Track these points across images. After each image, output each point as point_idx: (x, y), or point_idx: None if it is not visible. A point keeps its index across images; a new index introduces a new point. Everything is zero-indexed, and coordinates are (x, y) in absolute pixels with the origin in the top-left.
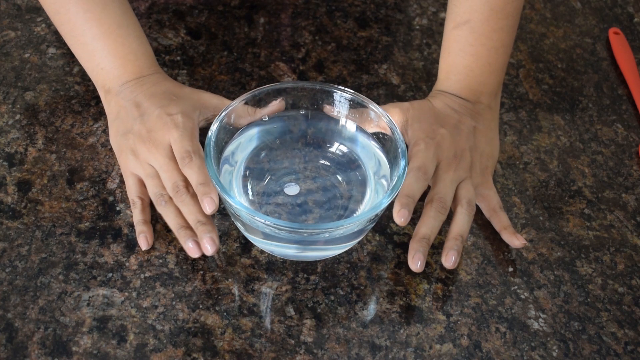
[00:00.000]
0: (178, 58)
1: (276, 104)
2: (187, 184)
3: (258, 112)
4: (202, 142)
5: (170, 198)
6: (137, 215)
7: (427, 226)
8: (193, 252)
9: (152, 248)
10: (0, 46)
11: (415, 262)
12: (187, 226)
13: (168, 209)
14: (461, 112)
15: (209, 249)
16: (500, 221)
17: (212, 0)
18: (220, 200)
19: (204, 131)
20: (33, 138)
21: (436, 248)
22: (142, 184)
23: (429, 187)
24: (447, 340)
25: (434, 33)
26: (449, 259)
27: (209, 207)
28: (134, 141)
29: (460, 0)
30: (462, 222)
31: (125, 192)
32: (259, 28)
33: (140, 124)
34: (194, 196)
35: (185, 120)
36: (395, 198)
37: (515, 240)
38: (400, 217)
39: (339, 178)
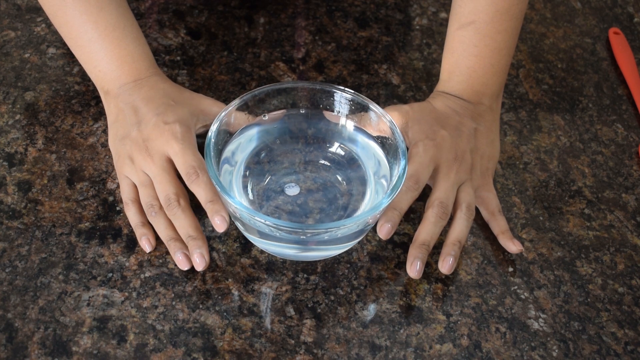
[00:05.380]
0: (178, 58)
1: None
2: (178, 197)
3: (257, 118)
4: (201, 144)
5: (161, 208)
6: (133, 217)
7: (427, 232)
8: (182, 265)
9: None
10: (0, 46)
11: (414, 269)
12: (178, 238)
13: (158, 220)
14: (462, 113)
15: (199, 264)
16: (498, 225)
17: (212, 0)
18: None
19: (201, 138)
20: (33, 138)
21: (436, 248)
22: (136, 188)
23: (429, 188)
24: (447, 340)
25: (434, 33)
26: (445, 264)
27: (221, 225)
28: (130, 147)
29: (465, 1)
30: (460, 228)
31: None
32: (259, 28)
33: (137, 132)
34: (185, 209)
35: (183, 131)
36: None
37: (511, 246)
38: (381, 232)
39: (339, 178)
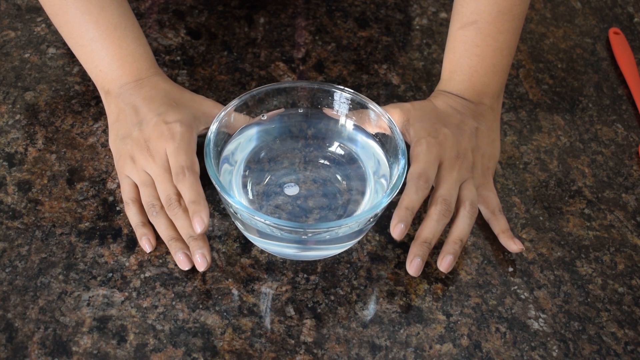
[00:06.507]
0: (178, 58)
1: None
2: (179, 196)
3: (256, 118)
4: (201, 144)
5: (162, 208)
6: (134, 217)
7: (430, 229)
8: (183, 265)
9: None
10: (0, 46)
11: (413, 267)
12: (179, 238)
13: (159, 219)
14: (464, 112)
15: (200, 263)
16: (498, 224)
17: (212, 0)
18: (220, 200)
19: (202, 138)
20: (33, 138)
21: (436, 248)
22: (137, 188)
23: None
24: (447, 340)
25: (434, 33)
26: (445, 263)
27: (199, 227)
28: (132, 147)
29: (467, 1)
30: (463, 225)
31: None
32: (259, 28)
33: (139, 132)
34: (185, 210)
35: (182, 131)
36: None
37: (512, 245)
38: (395, 232)
39: (339, 178)
